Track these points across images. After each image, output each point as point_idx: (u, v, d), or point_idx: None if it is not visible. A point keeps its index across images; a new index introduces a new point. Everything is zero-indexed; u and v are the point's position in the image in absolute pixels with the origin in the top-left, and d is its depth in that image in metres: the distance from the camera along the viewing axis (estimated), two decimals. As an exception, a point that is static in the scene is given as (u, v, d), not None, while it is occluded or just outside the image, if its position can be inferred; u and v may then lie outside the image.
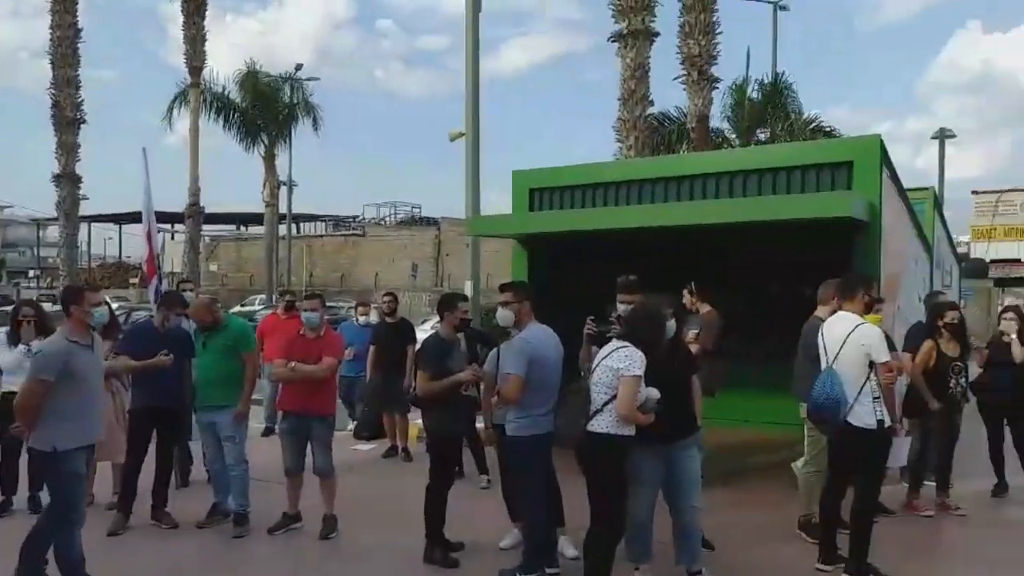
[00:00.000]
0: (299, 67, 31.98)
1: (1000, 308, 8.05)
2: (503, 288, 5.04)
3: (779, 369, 6.14)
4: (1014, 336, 6.88)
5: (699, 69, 18.79)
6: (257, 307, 29.46)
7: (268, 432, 9.20)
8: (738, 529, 5.87)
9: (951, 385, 6.40)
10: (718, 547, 5.25)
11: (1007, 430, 7.06)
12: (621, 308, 5.40)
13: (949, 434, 6.50)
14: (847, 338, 4.88)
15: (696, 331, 6.80)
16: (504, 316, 4.89)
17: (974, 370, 7.10)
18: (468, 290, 10.38)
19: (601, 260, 7.24)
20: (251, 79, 30.53)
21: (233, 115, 30.41)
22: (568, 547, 5.10)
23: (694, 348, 6.68)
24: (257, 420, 8.99)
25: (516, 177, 9.05)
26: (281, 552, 5.68)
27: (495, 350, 5.11)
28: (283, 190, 32.87)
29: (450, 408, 5.18)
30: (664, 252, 7.83)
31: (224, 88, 30.34)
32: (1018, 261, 38.02)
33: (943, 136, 25.67)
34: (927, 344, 6.52)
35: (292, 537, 5.84)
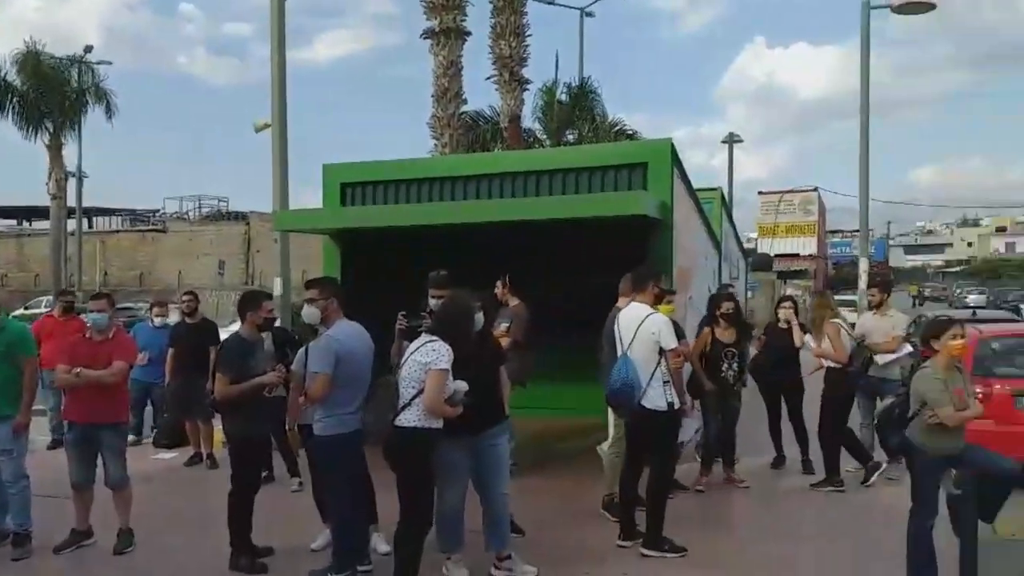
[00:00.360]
0: (89, 49, 29.51)
1: (778, 298, 8.89)
2: (309, 285, 4.93)
3: (587, 359, 6.41)
4: (794, 323, 7.61)
5: (510, 70, 19.21)
6: (43, 309, 26.90)
7: (56, 444, 8.45)
8: (547, 512, 6.12)
9: (723, 369, 6.97)
10: (528, 531, 5.45)
11: (784, 408, 7.81)
12: (432, 303, 5.46)
13: (727, 414, 7.08)
14: (639, 327, 5.23)
15: (507, 324, 7.01)
16: (310, 313, 4.80)
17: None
18: (277, 288, 10.05)
19: (417, 255, 7.26)
20: (32, 60, 27.75)
21: (11, 99, 27.51)
22: (380, 543, 5.10)
23: (505, 340, 6.90)
24: (42, 432, 8.27)
25: (327, 171, 8.87)
26: (69, 572, 5.27)
27: (303, 349, 4.99)
28: (72, 182, 30.18)
29: (251, 410, 5.00)
30: (481, 246, 7.97)
31: (0, 69, 27.38)
32: (797, 256, 42.24)
33: (731, 140, 27.85)
34: (704, 331, 7.10)
35: (83, 555, 5.42)
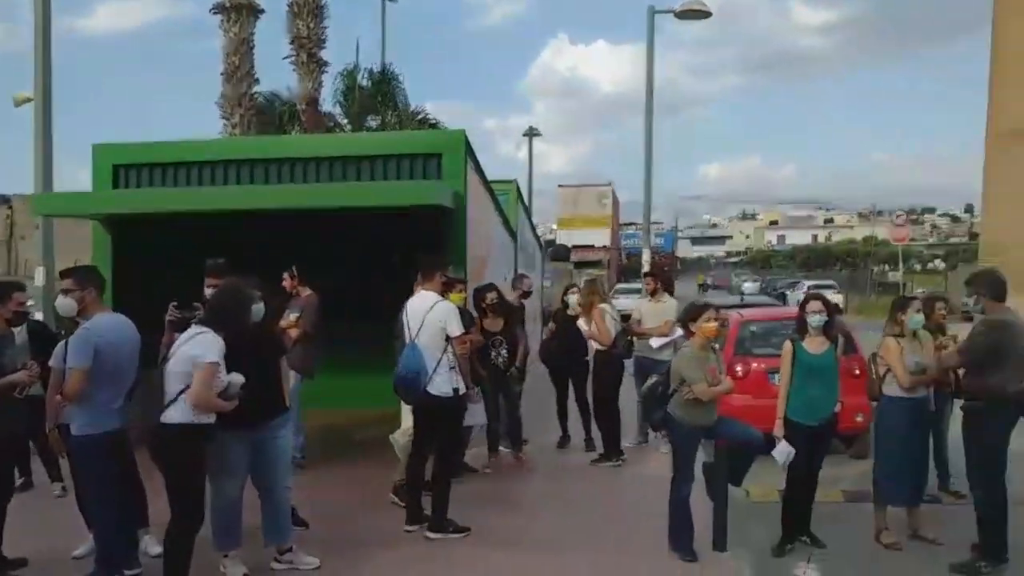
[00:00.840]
0: None
1: (565, 286, 9.32)
2: (64, 274, 4.54)
3: (383, 348, 6.38)
4: (579, 311, 7.99)
5: (308, 51, 18.67)
6: None
7: None
8: (336, 503, 6.06)
9: (493, 356, 7.16)
10: (314, 522, 5.36)
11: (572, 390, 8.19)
12: (208, 292, 5.22)
13: (509, 398, 7.32)
14: (427, 315, 5.30)
15: (296, 314, 6.85)
16: (64, 305, 4.41)
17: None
18: (40, 278, 9.17)
19: (202, 243, 6.88)
20: None
21: None
22: (152, 545, 4.81)
23: (294, 331, 6.74)
24: None
25: (97, 151, 8.20)
26: None
27: (62, 343, 4.60)
28: None
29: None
30: (272, 234, 7.70)
31: None
32: (592, 247, 44.47)
33: (531, 134, 28.76)
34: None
35: None
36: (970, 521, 5.22)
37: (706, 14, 15.22)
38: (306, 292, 7.06)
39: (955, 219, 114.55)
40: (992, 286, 5.21)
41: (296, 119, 19.67)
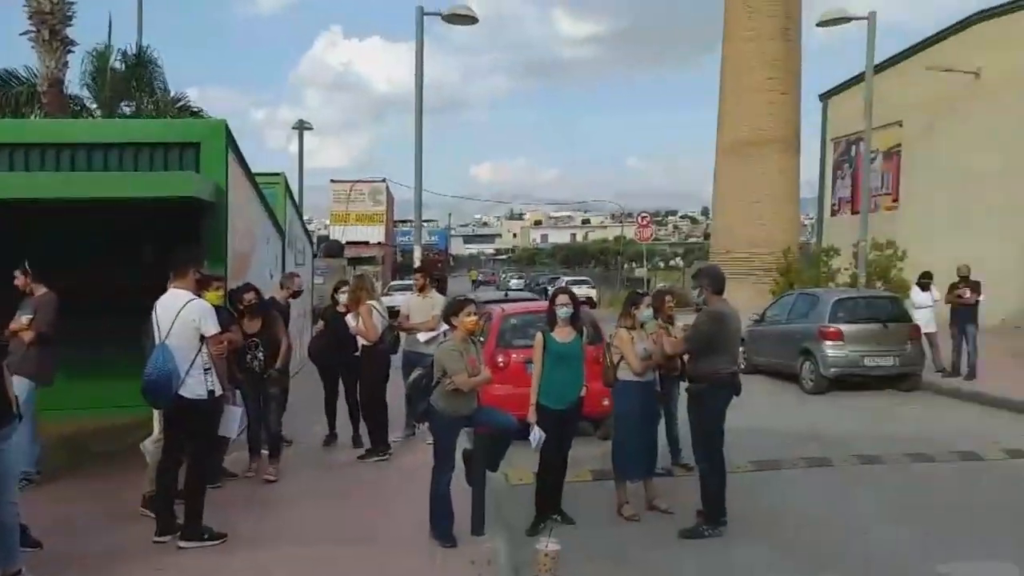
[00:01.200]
0: None
1: (335, 283, 9.27)
2: None
3: (128, 351, 5.99)
4: (346, 305, 7.99)
5: (51, 28, 16.89)
6: None
7: None
8: (79, 518, 5.64)
9: (249, 359, 6.88)
10: (53, 540, 4.97)
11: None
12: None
13: (266, 401, 6.96)
14: (178, 314, 5.07)
15: (30, 315, 6.30)
16: None
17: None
18: None
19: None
20: None
21: None
22: None
23: (27, 334, 6.18)
24: None
25: None
26: None
27: None
28: None
29: None
30: (6, 227, 6.94)
31: None
32: (367, 243, 44.13)
33: (301, 127, 27.93)
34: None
35: None
36: (697, 490, 5.90)
37: (472, 19, 15.63)
38: (41, 290, 6.50)
39: (693, 221, 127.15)
40: (713, 280, 5.92)
41: (36, 101, 17.78)
